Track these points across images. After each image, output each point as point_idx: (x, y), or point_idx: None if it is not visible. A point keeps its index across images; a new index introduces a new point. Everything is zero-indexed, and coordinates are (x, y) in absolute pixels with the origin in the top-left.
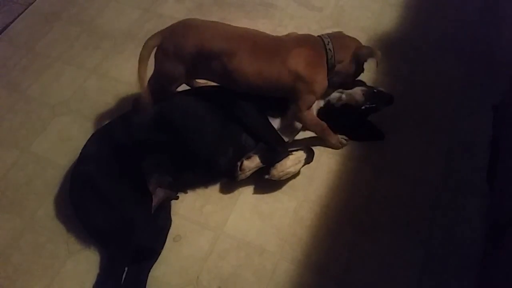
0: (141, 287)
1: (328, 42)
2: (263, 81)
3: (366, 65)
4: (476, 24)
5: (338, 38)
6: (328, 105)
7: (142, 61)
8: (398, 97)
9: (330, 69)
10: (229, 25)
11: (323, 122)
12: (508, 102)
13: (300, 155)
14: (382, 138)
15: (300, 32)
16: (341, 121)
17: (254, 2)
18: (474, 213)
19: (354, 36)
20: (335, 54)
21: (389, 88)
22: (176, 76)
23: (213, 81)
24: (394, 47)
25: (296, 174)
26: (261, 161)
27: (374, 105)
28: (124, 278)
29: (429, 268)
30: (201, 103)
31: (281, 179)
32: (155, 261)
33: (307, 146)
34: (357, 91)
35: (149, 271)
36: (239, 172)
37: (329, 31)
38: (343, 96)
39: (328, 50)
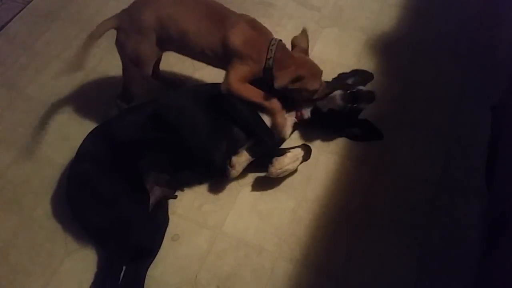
0: (139, 286)
1: (274, 44)
2: (207, 46)
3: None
4: (475, 24)
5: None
6: (316, 110)
7: (91, 37)
8: (397, 97)
9: (266, 68)
10: None
11: (260, 90)
12: (507, 102)
13: (297, 152)
14: (381, 138)
15: (298, 31)
16: (334, 124)
17: (253, 2)
18: (472, 213)
19: (353, 36)
20: (274, 59)
21: (388, 88)
22: (143, 52)
23: (177, 51)
24: (393, 47)
25: (293, 172)
26: (250, 154)
27: (355, 105)
28: (122, 277)
29: (427, 268)
30: (194, 100)
31: (279, 176)
32: (153, 260)
33: (304, 143)
34: (336, 95)
35: (147, 270)
36: (230, 169)
37: (328, 30)
38: (325, 102)
39: (269, 50)
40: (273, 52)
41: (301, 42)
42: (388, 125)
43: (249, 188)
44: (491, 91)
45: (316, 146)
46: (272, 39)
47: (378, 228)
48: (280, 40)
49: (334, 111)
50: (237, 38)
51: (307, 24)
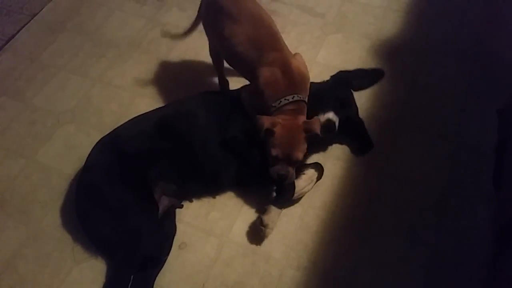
0: None
1: (287, 99)
2: (241, 61)
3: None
4: (479, 28)
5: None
6: None
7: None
8: (402, 102)
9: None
10: (255, 2)
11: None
12: None
13: (311, 174)
14: (370, 148)
15: (302, 38)
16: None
17: None
18: (481, 217)
19: (357, 42)
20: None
21: (393, 93)
22: (203, 15)
23: (215, 39)
24: (397, 52)
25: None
26: (278, 207)
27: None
28: (130, 287)
29: (436, 273)
30: (208, 114)
31: (295, 199)
32: (161, 269)
33: (316, 162)
34: None
35: (155, 279)
36: (264, 229)
37: (332, 37)
38: None
39: (279, 100)
40: (280, 104)
41: (313, 127)
42: (394, 129)
43: (256, 195)
44: (497, 94)
45: (322, 152)
46: (294, 95)
47: (385, 233)
48: (304, 101)
49: None
50: (264, 74)
51: (311, 31)
